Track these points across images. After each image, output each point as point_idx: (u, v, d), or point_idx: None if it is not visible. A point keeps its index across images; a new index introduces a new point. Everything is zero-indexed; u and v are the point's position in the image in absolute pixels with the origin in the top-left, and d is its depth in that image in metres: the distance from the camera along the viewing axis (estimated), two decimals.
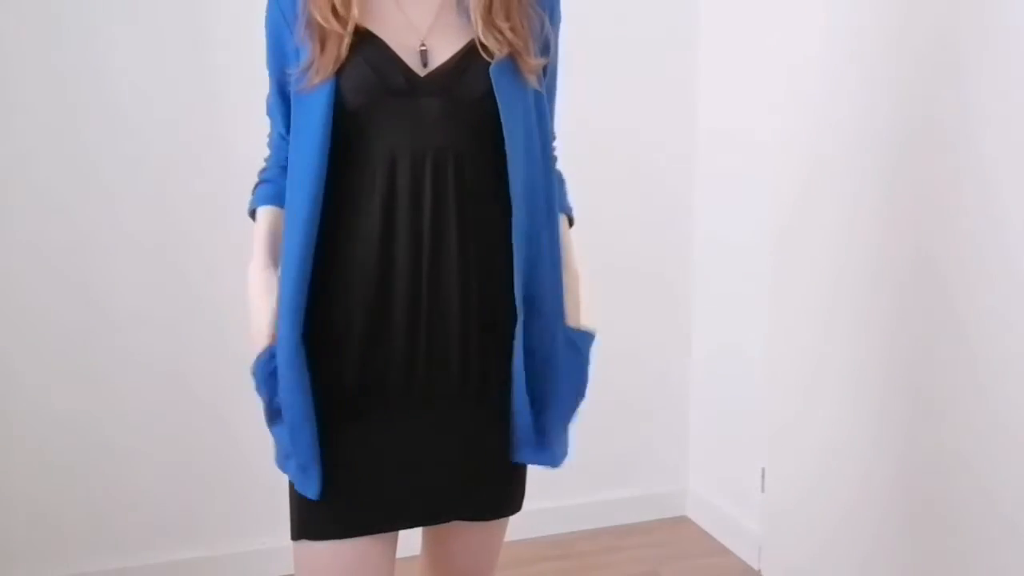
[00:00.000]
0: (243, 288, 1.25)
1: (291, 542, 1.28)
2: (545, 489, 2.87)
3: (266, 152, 1.34)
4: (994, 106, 1.65)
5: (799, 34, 2.21)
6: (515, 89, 1.19)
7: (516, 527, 2.66)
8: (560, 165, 1.37)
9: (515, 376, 1.21)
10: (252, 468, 2.46)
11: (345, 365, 1.19)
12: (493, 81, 1.16)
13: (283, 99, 1.23)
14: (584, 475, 2.80)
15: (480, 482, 1.26)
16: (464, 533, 1.31)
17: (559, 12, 1.29)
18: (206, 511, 2.44)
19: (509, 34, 1.17)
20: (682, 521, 2.88)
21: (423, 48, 1.18)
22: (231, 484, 2.44)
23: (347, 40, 1.14)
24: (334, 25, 1.14)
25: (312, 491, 1.19)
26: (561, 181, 1.37)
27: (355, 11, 1.14)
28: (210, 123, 2.32)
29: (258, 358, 1.21)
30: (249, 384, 2.55)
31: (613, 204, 2.72)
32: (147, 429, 2.37)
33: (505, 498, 1.32)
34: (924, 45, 1.81)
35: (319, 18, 1.14)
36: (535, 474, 2.93)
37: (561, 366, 1.26)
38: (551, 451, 1.28)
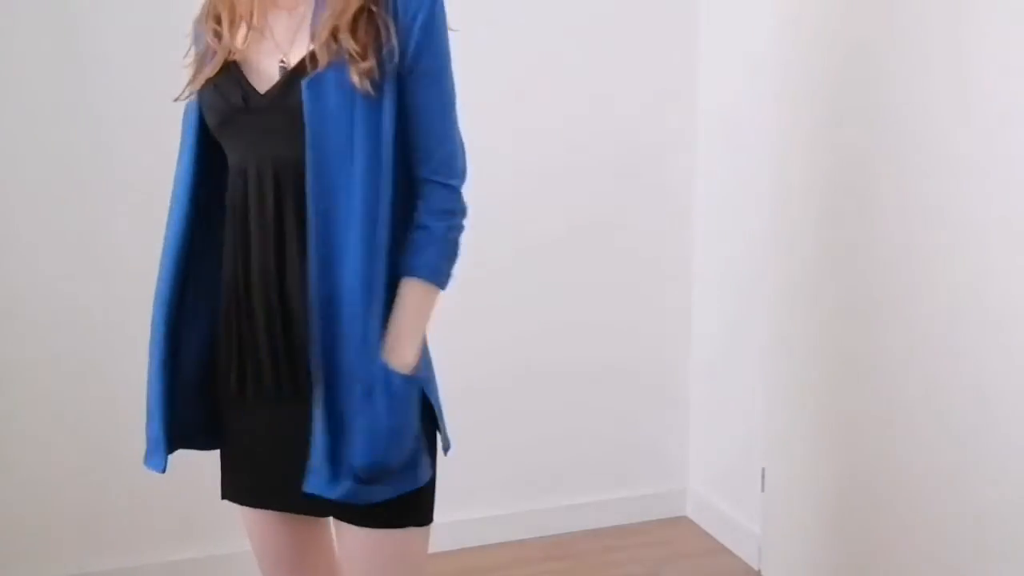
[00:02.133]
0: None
1: None
2: (545, 489, 2.89)
3: None
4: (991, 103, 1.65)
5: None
6: (334, 99, 1.16)
7: (516, 527, 2.69)
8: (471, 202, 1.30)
9: (314, 407, 1.17)
10: None
11: (219, 358, 1.31)
12: (303, 91, 1.15)
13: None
14: (584, 475, 2.81)
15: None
16: (346, 535, 1.28)
17: (424, 16, 1.21)
18: (206, 511, 2.44)
19: (335, 43, 1.16)
20: (682, 521, 2.88)
21: (282, 65, 1.22)
22: None
23: (210, 67, 1.24)
24: (211, 47, 1.25)
25: (157, 464, 1.40)
26: (424, 228, 1.24)
27: (228, 41, 1.24)
28: None
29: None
30: None
31: (613, 203, 2.73)
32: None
33: (373, 506, 1.21)
34: (923, 41, 1.81)
35: (207, 40, 1.26)
36: (535, 474, 2.94)
37: (359, 406, 1.16)
38: (343, 486, 1.17)
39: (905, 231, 1.88)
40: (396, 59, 1.18)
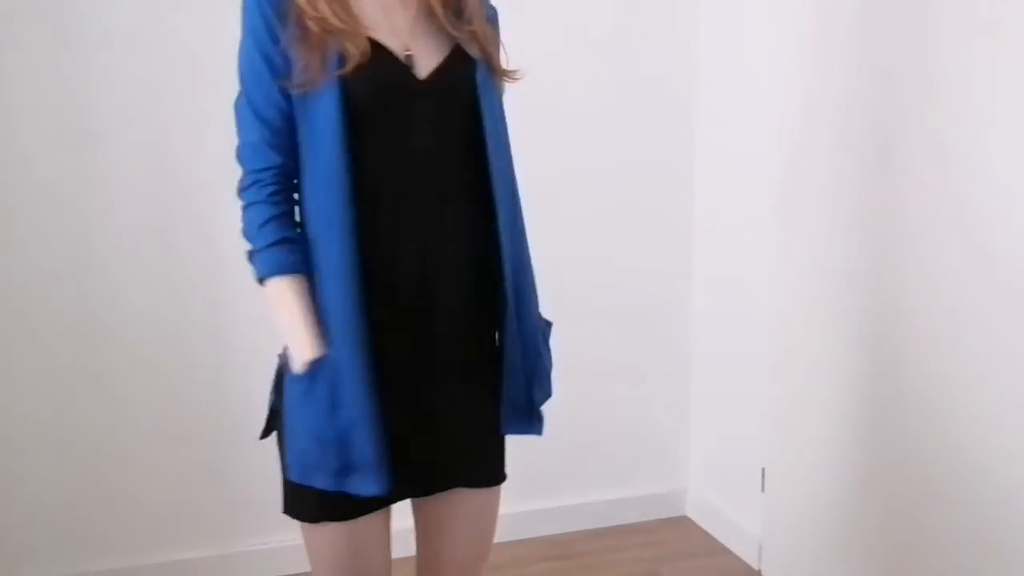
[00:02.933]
0: (271, 310, 1.26)
1: (304, 525, 1.34)
2: (545, 489, 2.88)
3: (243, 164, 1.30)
4: (993, 103, 1.65)
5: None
6: (491, 92, 1.30)
7: (516, 527, 2.69)
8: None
9: (510, 358, 1.32)
10: (252, 468, 2.46)
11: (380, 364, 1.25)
12: (478, 84, 1.26)
13: (281, 95, 1.23)
14: (584, 475, 2.81)
15: (475, 452, 1.37)
16: (464, 501, 1.39)
17: (497, 23, 1.41)
18: (206, 511, 2.45)
19: (481, 40, 1.29)
20: (682, 521, 2.88)
21: (408, 53, 1.25)
22: (231, 484, 2.44)
23: (358, 43, 1.19)
24: (336, 26, 1.19)
25: (379, 487, 1.23)
26: None
27: (353, 24, 1.21)
28: None
29: (310, 368, 1.22)
30: (249, 385, 2.55)
31: (612, 201, 2.73)
32: (147, 429, 2.37)
33: (497, 466, 1.42)
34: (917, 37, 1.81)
35: (315, 24, 1.19)
36: (535, 474, 2.94)
37: (541, 349, 1.39)
38: (538, 422, 1.40)
39: (907, 231, 1.88)
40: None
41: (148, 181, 2.31)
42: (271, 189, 1.25)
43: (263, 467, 2.45)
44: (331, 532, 1.29)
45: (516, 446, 2.88)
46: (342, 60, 1.19)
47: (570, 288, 2.69)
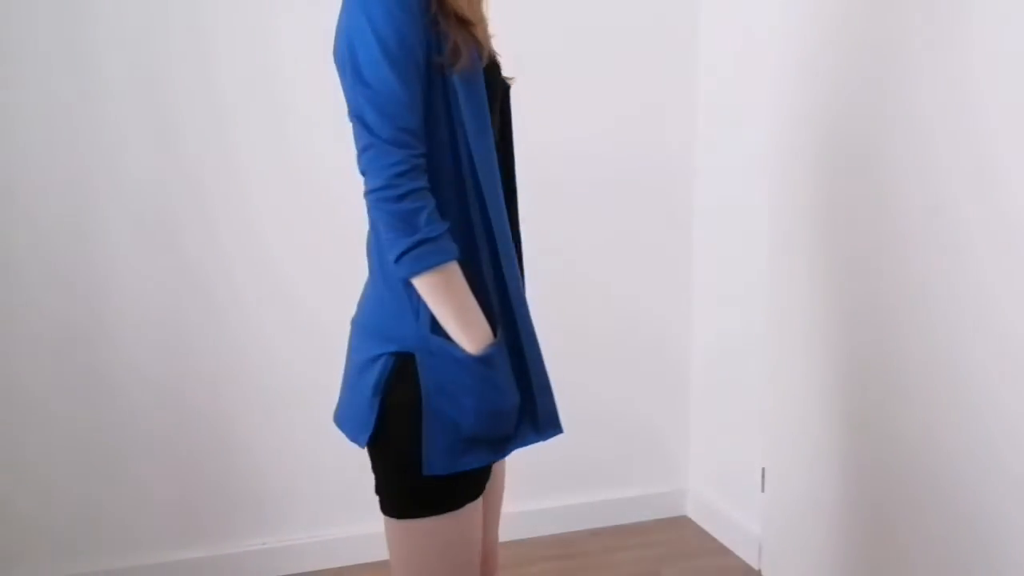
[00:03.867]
0: (440, 298, 1.25)
1: (437, 520, 1.28)
2: (545, 489, 2.89)
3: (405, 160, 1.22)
4: (992, 104, 1.65)
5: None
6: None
7: (516, 527, 2.69)
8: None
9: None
10: (252, 469, 2.46)
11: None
12: (508, 81, 1.38)
13: (418, 90, 1.21)
14: (584, 475, 2.81)
15: None
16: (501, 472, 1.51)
17: None
18: (206, 511, 2.45)
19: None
20: (682, 521, 2.88)
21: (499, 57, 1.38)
22: (231, 484, 2.44)
23: (486, 37, 1.29)
24: (470, 16, 1.25)
25: (557, 423, 1.36)
26: None
27: (480, 16, 1.30)
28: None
29: (494, 346, 1.28)
30: (249, 385, 2.55)
31: (612, 200, 2.73)
32: (147, 429, 2.37)
33: None
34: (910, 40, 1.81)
35: (459, 11, 1.24)
36: (535, 474, 2.93)
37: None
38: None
39: (908, 231, 1.88)
40: None
41: (151, 176, 2.31)
42: (426, 178, 1.21)
43: (263, 467, 2.49)
44: (472, 512, 1.30)
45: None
46: (480, 53, 1.26)
47: (570, 288, 2.70)
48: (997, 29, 1.64)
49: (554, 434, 1.35)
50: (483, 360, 1.24)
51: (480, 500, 1.32)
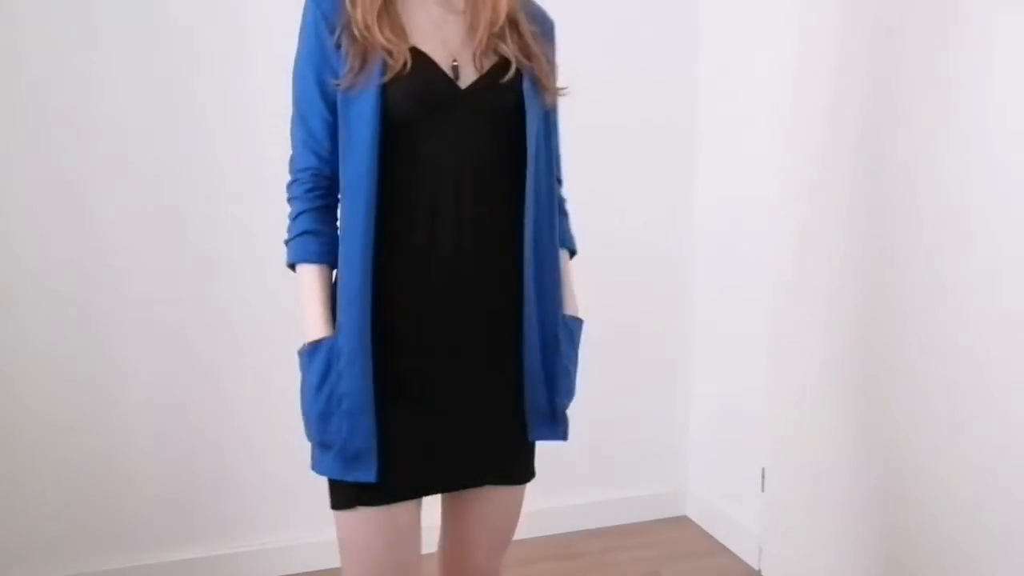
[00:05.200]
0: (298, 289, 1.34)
1: (338, 515, 1.35)
2: (545, 489, 2.86)
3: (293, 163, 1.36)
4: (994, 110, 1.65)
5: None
6: (535, 106, 1.33)
7: (517, 527, 2.68)
8: (569, 205, 1.55)
9: (529, 360, 1.35)
10: (253, 468, 2.46)
11: (398, 357, 1.30)
12: (525, 97, 1.31)
13: (323, 101, 1.30)
14: (584, 475, 2.81)
15: (505, 452, 1.41)
16: (495, 497, 1.45)
17: (555, 46, 1.45)
18: (206, 511, 2.45)
19: (529, 53, 1.34)
20: (682, 521, 2.88)
21: (455, 64, 1.31)
22: (231, 484, 2.44)
23: (398, 55, 1.25)
24: (378, 39, 1.25)
25: (369, 475, 1.27)
26: (564, 214, 1.53)
27: (404, 27, 1.29)
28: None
29: (309, 347, 1.30)
30: (249, 385, 2.54)
31: (613, 199, 2.73)
32: (147, 429, 2.37)
33: (524, 466, 1.49)
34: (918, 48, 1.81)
35: (360, 34, 1.26)
36: (535, 474, 2.92)
37: (564, 349, 1.42)
38: (562, 427, 1.44)
39: (908, 231, 1.88)
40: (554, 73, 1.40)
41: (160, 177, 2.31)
42: (308, 186, 1.32)
43: (262, 467, 2.48)
44: (370, 517, 1.32)
45: None
46: (384, 69, 1.25)
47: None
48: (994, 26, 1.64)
49: (362, 478, 1.27)
50: (301, 356, 1.31)
51: (387, 512, 1.31)
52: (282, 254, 1.36)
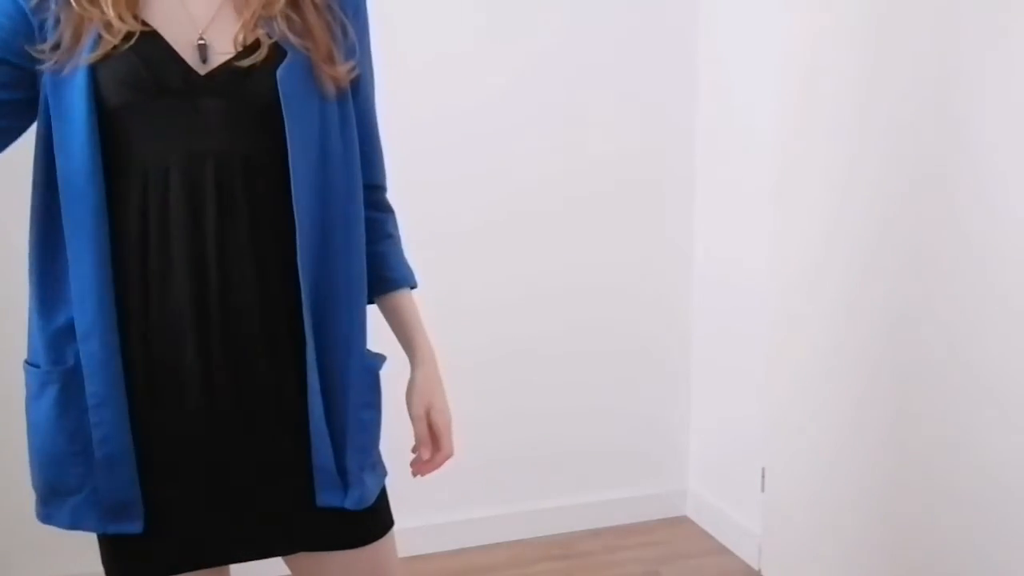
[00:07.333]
0: None
1: None
2: (545, 489, 2.88)
3: None
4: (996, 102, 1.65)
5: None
6: (302, 96, 1.05)
7: (516, 527, 2.69)
8: (400, 213, 1.26)
9: (312, 413, 1.08)
10: None
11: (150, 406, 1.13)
12: (280, 85, 1.03)
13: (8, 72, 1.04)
14: (584, 475, 2.81)
15: (315, 514, 1.12)
16: (331, 565, 1.16)
17: (365, 14, 1.16)
18: None
19: (299, 34, 1.06)
20: (682, 521, 2.88)
21: (201, 43, 1.04)
22: None
23: (114, 29, 1.00)
24: (95, 9, 1.00)
25: (136, 526, 1.11)
26: (388, 236, 1.22)
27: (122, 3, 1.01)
28: None
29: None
30: None
31: (611, 200, 2.73)
32: None
33: (360, 525, 1.15)
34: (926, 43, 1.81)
35: (75, 4, 1.00)
36: (535, 474, 2.92)
37: (354, 399, 1.12)
38: (356, 491, 1.12)
39: (909, 230, 1.88)
40: (355, 56, 1.11)
41: None
42: None
43: None
44: None
45: (517, 446, 2.89)
46: (96, 44, 1.00)
47: (569, 288, 2.70)
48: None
49: (127, 529, 1.11)
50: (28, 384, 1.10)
51: None
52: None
